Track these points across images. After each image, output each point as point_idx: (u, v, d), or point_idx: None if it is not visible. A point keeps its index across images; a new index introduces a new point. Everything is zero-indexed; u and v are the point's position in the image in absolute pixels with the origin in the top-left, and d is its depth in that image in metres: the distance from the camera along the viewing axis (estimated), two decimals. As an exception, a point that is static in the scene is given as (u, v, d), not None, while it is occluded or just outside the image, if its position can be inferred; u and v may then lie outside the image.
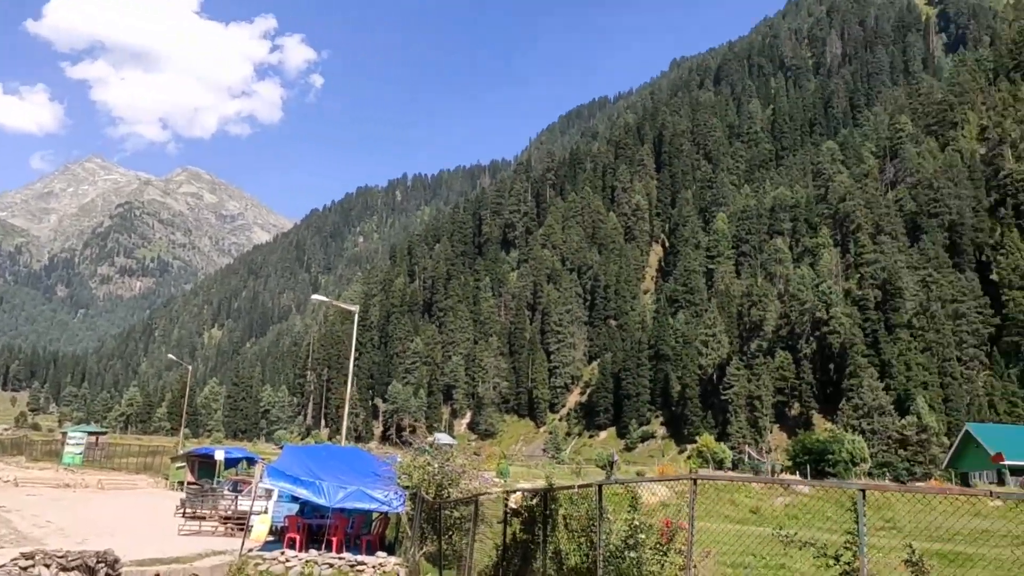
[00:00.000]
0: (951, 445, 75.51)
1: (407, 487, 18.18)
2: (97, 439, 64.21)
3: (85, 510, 28.93)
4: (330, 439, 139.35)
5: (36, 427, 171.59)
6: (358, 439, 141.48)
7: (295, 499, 20.30)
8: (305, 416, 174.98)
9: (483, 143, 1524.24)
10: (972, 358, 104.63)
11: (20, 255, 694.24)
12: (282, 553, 17.73)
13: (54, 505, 30.14)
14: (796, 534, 7.29)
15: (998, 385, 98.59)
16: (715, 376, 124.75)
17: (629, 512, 9.61)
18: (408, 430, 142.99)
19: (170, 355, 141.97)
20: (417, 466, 18.30)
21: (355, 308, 28.75)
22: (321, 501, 17.64)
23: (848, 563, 6.54)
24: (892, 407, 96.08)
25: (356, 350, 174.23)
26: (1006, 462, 49.32)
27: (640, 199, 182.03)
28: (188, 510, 26.78)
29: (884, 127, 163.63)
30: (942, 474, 64.48)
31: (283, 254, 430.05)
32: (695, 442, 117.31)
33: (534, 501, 11.23)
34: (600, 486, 9.53)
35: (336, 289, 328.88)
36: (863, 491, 6.21)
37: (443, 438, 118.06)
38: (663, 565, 9.00)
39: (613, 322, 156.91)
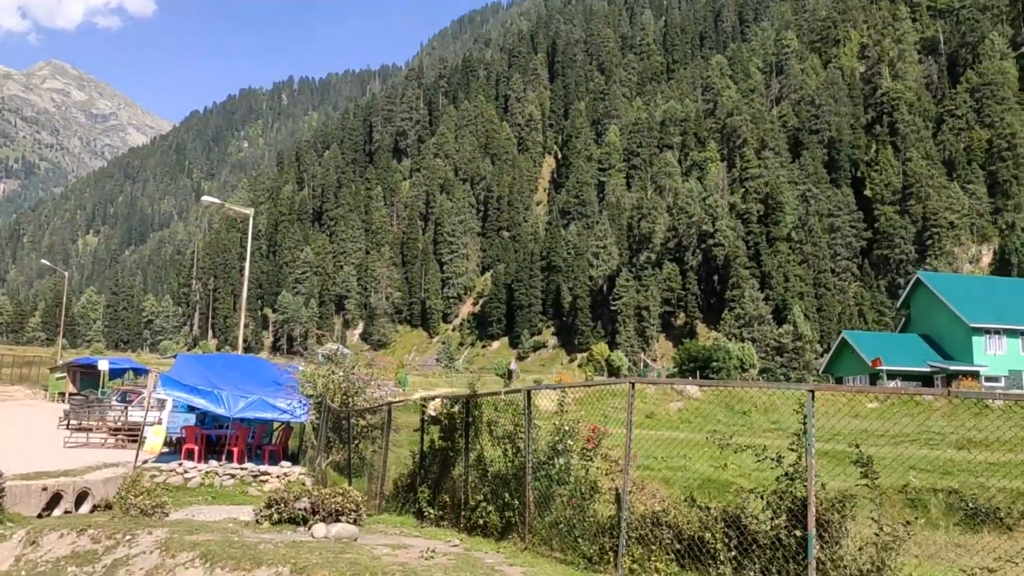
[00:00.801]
0: (824, 351, 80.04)
1: (311, 396, 17.79)
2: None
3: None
4: (218, 349, 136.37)
5: None
6: (247, 349, 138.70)
7: (191, 409, 19.65)
8: (191, 326, 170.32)
9: (373, 46, 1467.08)
10: (845, 270, 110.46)
11: None
12: (180, 464, 17.19)
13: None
14: (728, 438, 7.32)
15: (868, 295, 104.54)
16: (605, 287, 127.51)
17: (556, 417, 9.57)
18: (312, 338, 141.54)
19: (44, 261, 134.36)
20: (321, 375, 17.89)
21: (250, 212, 27.55)
22: (221, 411, 17.08)
23: (792, 465, 6.60)
24: (771, 316, 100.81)
25: (243, 259, 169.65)
26: (883, 367, 52.58)
27: (533, 109, 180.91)
28: (73, 422, 25.62)
29: (771, 43, 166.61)
30: (818, 378, 68.33)
31: (162, 158, 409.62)
32: (586, 351, 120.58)
33: (455, 408, 11.08)
34: (529, 392, 9.41)
35: (221, 196, 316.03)
36: (812, 392, 6.22)
37: (337, 348, 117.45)
38: (587, 470, 9.01)
39: (506, 233, 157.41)
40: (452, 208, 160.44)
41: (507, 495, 9.33)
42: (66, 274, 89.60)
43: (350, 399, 17.46)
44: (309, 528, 9.92)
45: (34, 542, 9.93)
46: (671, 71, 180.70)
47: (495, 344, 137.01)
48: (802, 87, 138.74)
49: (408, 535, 9.77)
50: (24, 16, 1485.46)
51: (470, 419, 10.52)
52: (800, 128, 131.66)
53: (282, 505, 10.56)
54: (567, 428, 9.38)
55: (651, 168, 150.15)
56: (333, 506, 9.98)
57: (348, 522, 9.84)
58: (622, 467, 8.18)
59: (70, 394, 36.62)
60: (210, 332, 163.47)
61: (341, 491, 10.37)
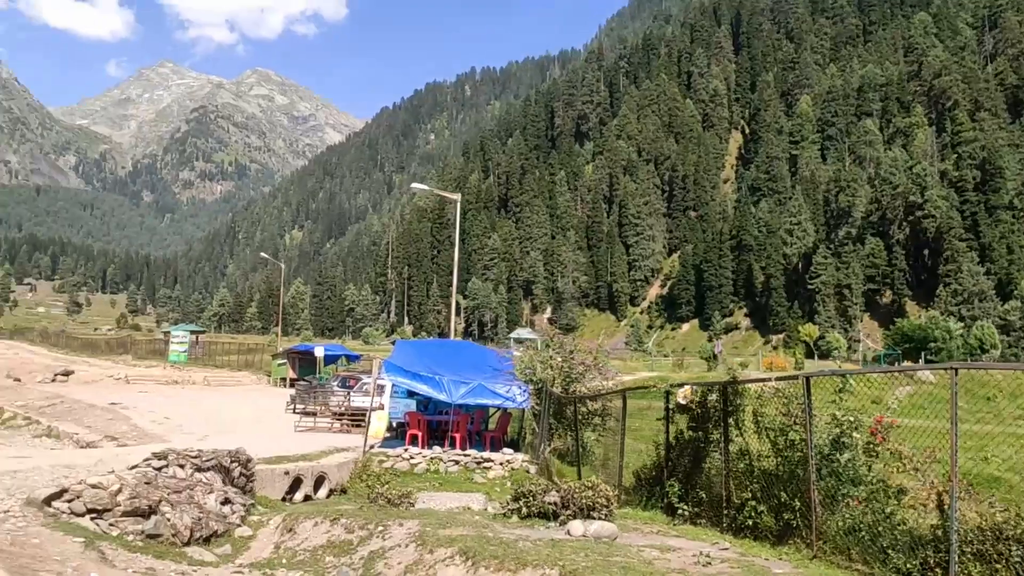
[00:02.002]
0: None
1: (530, 382, 17.50)
2: (197, 338, 66.15)
3: (198, 407, 29.36)
4: (415, 335, 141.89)
5: (136, 328, 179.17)
6: (440, 335, 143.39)
7: (411, 395, 19.91)
8: (388, 314, 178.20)
9: (551, 32, 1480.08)
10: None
11: (105, 162, 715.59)
12: (405, 450, 17.40)
13: (167, 402, 30.69)
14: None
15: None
16: (800, 265, 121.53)
17: (831, 406, 8.57)
18: (502, 323, 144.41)
19: (263, 254, 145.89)
20: (541, 360, 17.55)
21: (456, 196, 27.84)
22: (442, 397, 17.13)
23: None
24: (993, 292, 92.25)
25: (434, 248, 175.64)
26: None
27: (718, 84, 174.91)
28: (299, 406, 26.89)
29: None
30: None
31: (356, 154, 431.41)
32: (781, 332, 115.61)
33: (712, 396, 10.27)
34: (808, 378, 8.45)
35: (410, 188, 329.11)
36: None
37: (526, 333, 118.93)
38: (869, 467, 7.96)
39: (693, 213, 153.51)
40: (636, 190, 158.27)
41: (782, 494, 8.43)
42: (282, 266, 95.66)
43: (571, 385, 17.04)
44: (560, 524, 9.50)
45: (291, 529, 10.08)
46: (868, 33, 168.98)
47: (684, 327, 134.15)
48: (1020, 41, 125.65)
49: (665, 534, 9.10)
50: (232, 29, 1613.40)
51: (729, 408, 9.68)
52: (1020, 86, 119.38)
53: (530, 498, 10.21)
54: (850, 419, 8.35)
55: (849, 138, 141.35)
56: (584, 501, 9.49)
57: (599, 518, 9.32)
58: (916, 466, 7.09)
59: (294, 380, 38.71)
60: (406, 319, 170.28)
61: (590, 485, 9.87)
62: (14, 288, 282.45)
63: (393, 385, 19.69)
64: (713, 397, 10.26)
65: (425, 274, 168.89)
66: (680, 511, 10.14)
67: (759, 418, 9.35)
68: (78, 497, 9.19)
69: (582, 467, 15.05)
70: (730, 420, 9.64)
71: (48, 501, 9.18)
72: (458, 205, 27.07)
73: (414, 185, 27.99)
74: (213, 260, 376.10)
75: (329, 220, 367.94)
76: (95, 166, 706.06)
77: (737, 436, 9.68)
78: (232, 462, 11.98)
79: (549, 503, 9.91)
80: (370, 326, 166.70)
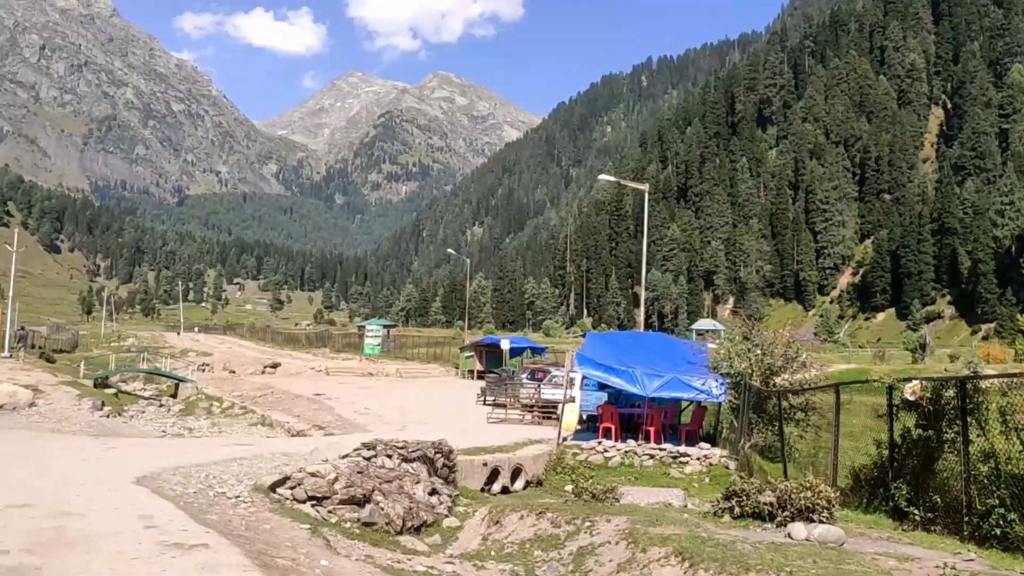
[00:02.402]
0: None
1: (727, 375, 16.85)
2: (388, 332, 69.20)
3: (393, 398, 30.58)
4: (594, 327, 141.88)
5: (332, 322, 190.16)
6: (620, 327, 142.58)
7: (601, 387, 19.72)
8: (567, 306, 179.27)
9: (730, 17, 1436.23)
10: None
11: (302, 168, 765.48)
12: (599, 443, 17.22)
13: (365, 393, 32.17)
14: None
15: None
16: (1014, 248, 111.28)
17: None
18: (683, 314, 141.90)
19: (449, 250, 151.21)
20: (739, 352, 16.86)
21: (645, 187, 27.43)
22: (635, 390, 16.80)
23: None
24: None
25: (612, 240, 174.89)
26: None
27: (915, 58, 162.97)
28: (489, 398, 27.38)
29: None
30: None
31: (534, 150, 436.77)
32: (991, 321, 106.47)
33: (949, 392, 9.39)
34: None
35: (587, 180, 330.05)
36: None
37: (708, 324, 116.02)
38: None
39: (887, 196, 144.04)
40: (824, 174, 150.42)
41: (1040, 502, 7.52)
42: (467, 261, 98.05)
43: (771, 378, 16.25)
44: (778, 526, 8.98)
45: (497, 522, 10.14)
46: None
47: (880, 316, 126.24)
48: None
49: (896, 541, 8.37)
50: (415, 36, 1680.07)
51: (968, 405, 8.79)
52: None
53: (743, 498, 9.73)
54: None
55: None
56: (802, 502, 8.92)
57: (819, 521, 8.72)
58: None
59: (484, 372, 39.57)
60: (585, 311, 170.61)
61: (808, 485, 9.26)
62: (225, 287, 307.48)
63: (584, 377, 19.56)
64: (949, 393, 9.35)
65: (603, 266, 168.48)
66: (910, 516, 9.31)
67: (1006, 417, 8.41)
68: (299, 485, 9.62)
69: (778, 462, 14.29)
70: (970, 419, 8.73)
71: (273, 488, 9.68)
72: (645, 195, 26.61)
73: (601, 176, 27.84)
74: (400, 257, 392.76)
75: (508, 216, 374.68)
76: (293, 173, 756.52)
77: (978, 436, 8.76)
78: (436, 453, 12.22)
79: (764, 503, 9.38)
80: (550, 319, 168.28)
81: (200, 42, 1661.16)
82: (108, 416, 25.19)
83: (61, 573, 5.20)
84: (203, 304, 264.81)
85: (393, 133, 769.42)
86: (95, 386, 33.17)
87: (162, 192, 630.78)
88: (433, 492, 10.80)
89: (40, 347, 62.85)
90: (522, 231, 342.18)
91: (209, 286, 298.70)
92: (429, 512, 10.18)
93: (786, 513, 9.03)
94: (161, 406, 32.36)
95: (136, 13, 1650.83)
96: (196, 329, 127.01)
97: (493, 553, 9.27)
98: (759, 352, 16.50)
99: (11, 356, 44.04)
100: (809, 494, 9.02)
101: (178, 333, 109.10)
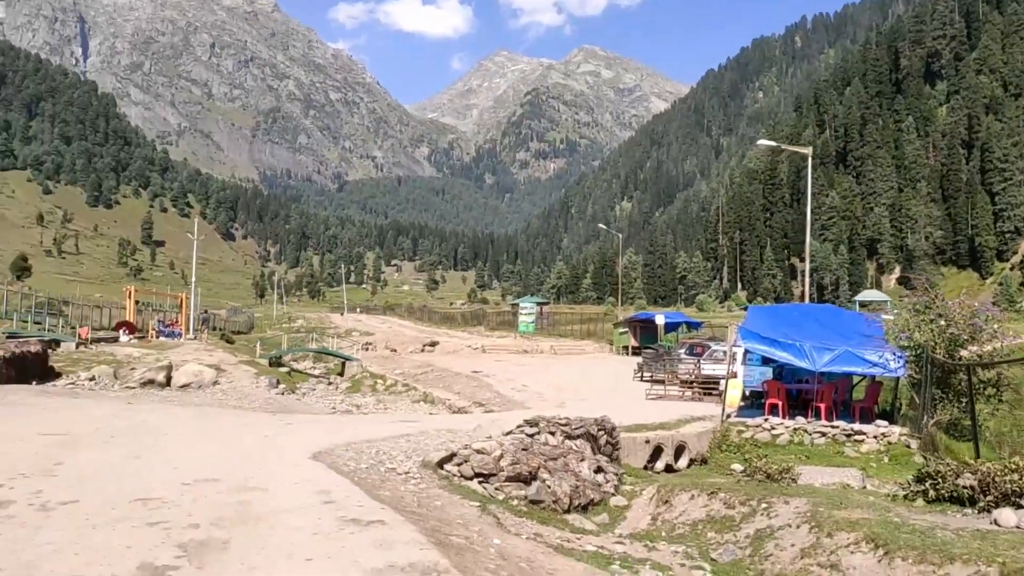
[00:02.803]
0: None
1: (905, 347, 15.75)
2: (541, 309, 69.67)
3: (549, 374, 30.68)
4: (750, 301, 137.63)
5: (484, 301, 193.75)
6: (777, 300, 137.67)
7: (765, 362, 18.95)
8: (721, 280, 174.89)
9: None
10: None
11: (452, 150, 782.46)
12: (765, 420, 16.55)
13: (521, 370, 32.45)
14: None
15: None
16: None
17: None
18: (843, 285, 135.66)
19: (601, 225, 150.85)
20: (919, 323, 15.71)
21: (807, 150, 26.07)
22: (804, 364, 15.98)
23: None
24: None
25: (766, 210, 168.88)
26: None
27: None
28: (646, 374, 26.96)
29: None
30: None
31: (682, 120, 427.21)
32: None
33: None
34: None
35: (738, 150, 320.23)
36: None
37: (873, 295, 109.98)
38: None
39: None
40: (1002, 130, 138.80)
41: None
42: (619, 236, 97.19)
43: (957, 350, 15.06)
44: (980, 512, 8.26)
45: (666, 501, 9.87)
46: None
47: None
48: None
49: (1121, 532, 7.51)
50: (559, 11, 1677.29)
51: None
52: None
53: (939, 480, 9.03)
54: None
55: None
56: (1008, 485, 8.15)
57: (1028, 507, 7.94)
58: None
59: (639, 348, 39.11)
60: (739, 284, 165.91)
61: (1015, 467, 8.45)
62: (384, 269, 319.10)
63: (746, 352, 18.85)
64: None
65: (758, 238, 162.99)
66: None
67: None
68: (466, 461, 9.69)
69: (979, 444, 13.22)
70: None
71: (440, 464, 9.79)
72: (809, 159, 25.26)
73: (760, 141, 26.53)
74: (549, 235, 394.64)
75: (657, 189, 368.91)
76: (444, 155, 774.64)
77: None
78: (599, 431, 12.05)
79: (964, 487, 8.65)
80: (702, 293, 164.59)
81: (354, 31, 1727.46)
82: (283, 394, 26.58)
83: (246, 547, 5.38)
84: (363, 286, 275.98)
85: (540, 110, 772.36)
86: (270, 365, 35.09)
87: (323, 179, 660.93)
88: (599, 470, 10.65)
89: (220, 329, 67.39)
90: (672, 204, 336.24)
91: (368, 268, 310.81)
92: (595, 490, 10.03)
93: (989, 498, 8.28)
94: (329, 384, 33.82)
95: (294, 6, 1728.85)
96: (358, 310, 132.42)
97: (663, 534, 9.02)
98: (942, 322, 15.29)
99: (195, 337, 47.32)
100: (1016, 477, 8.22)
101: (341, 314, 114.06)
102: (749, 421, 16.58)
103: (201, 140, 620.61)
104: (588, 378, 29.00)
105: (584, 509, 9.61)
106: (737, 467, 14.18)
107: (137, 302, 53.80)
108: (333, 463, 9.07)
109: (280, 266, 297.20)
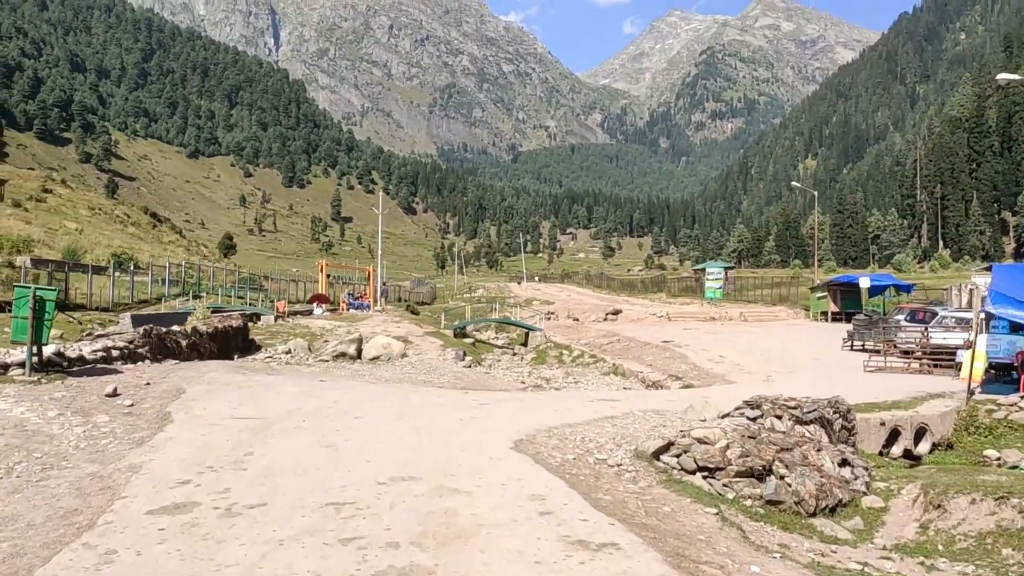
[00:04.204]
0: None
1: None
2: (726, 274, 66.63)
3: (745, 343, 28.63)
4: (953, 260, 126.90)
5: (662, 267, 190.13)
6: (985, 258, 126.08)
7: (1014, 329, 16.39)
8: (919, 238, 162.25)
9: None
10: None
11: (625, 115, 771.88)
12: (1021, 397, 14.17)
13: (713, 339, 30.53)
14: None
15: None
16: None
17: None
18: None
19: (795, 183, 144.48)
20: None
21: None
22: (1074, 332, 13.49)
23: None
24: None
25: (971, 161, 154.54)
26: None
27: None
28: (856, 343, 24.51)
29: None
30: None
31: (872, 70, 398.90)
32: None
33: None
34: None
35: (938, 97, 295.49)
36: None
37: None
38: None
39: None
40: None
41: None
42: (814, 193, 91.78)
43: None
44: None
45: (938, 505, 8.18)
46: None
47: None
48: None
49: None
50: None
51: None
52: None
53: None
54: None
55: None
56: None
57: None
58: None
59: (839, 314, 36.21)
60: (940, 242, 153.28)
61: None
62: (559, 237, 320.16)
63: (989, 319, 16.31)
64: None
65: (962, 191, 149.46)
66: None
67: None
68: (685, 452, 8.43)
69: None
70: None
71: (656, 455, 8.59)
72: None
73: (1000, 76, 22.83)
74: (727, 198, 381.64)
75: (844, 144, 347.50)
76: (617, 120, 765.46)
77: None
78: (834, 413, 10.45)
79: None
80: (899, 252, 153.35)
81: (524, 3, 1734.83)
82: (470, 366, 26.23)
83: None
84: (540, 255, 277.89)
85: (715, 69, 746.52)
86: (455, 336, 35.09)
87: (497, 151, 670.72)
88: (843, 463, 9.07)
89: (405, 300, 69.16)
90: (861, 160, 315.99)
91: (544, 237, 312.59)
92: (843, 488, 8.47)
93: None
94: (514, 355, 33.36)
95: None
96: (536, 279, 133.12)
97: (940, 547, 7.38)
98: None
99: (382, 309, 48.46)
100: None
101: (519, 283, 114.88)
102: (1000, 399, 14.28)
103: (383, 119, 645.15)
104: (790, 348, 26.73)
105: (832, 511, 8.10)
106: (992, 453, 12.15)
107: (328, 275, 55.89)
108: (538, 454, 8.07)
109: (459, 237, 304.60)
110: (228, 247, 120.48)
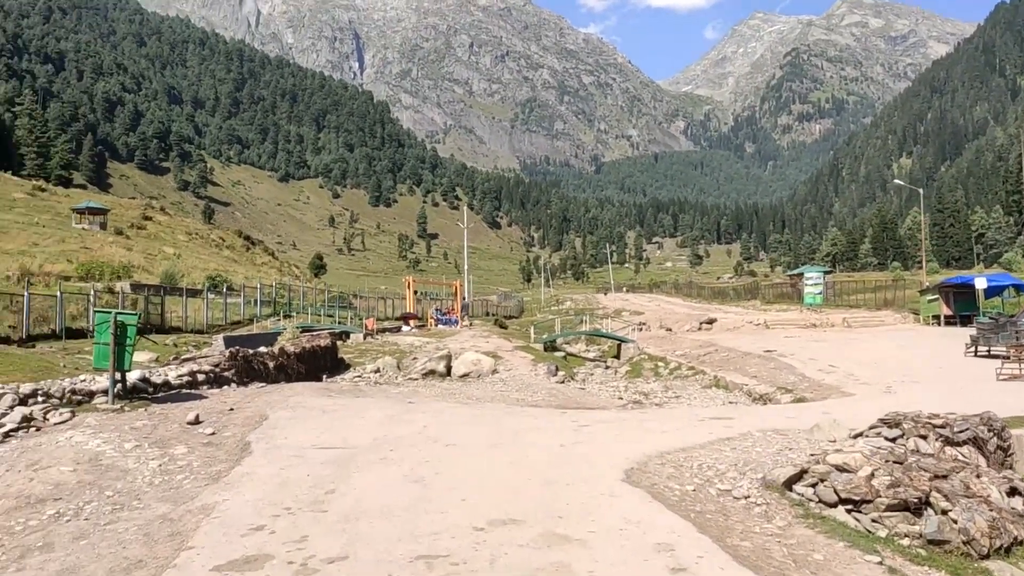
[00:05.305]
0: None
1: None
2: (824, 278, 63.87)
3: (854, 351, 26.80)
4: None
5: (752, 273, 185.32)
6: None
7: None
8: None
9: None
10: None
11: (709, 121, 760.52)
12: None
13: (819, 347, 28.76)
14: None
15: None
16: None
17: None
18: None
19: (897, 180, 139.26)
20: None
21: None
22: None
23: None
24: None
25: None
26: None
27: None
28: (981, 348, 22.59)
29: None
30: None
31: (968, 63, 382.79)
32: None
33: None
34: None
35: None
36: None
37: None
38: None
39: None
40: None
41: None
42: (920, 190, 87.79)
43: None
44: None
45: None
46: None
47: None
48: None
49: None
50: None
51: None
52: None
53: None
54: None
55: None
56: None
57: None
58: None
59: (953, 317, 33.89)
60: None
61: None
62: (645, 247, 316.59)
63: None
64: None
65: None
66: None
67: None
68: (822, 481, 7.33)
69: None
70: None
71: (788, 484, 7.51)
72: None
73: None
74: (818, 201, 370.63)
75: (941, 141, 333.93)
76: (700, 127, 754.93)
77: None
78: (988, 431, 9.14)
79: None
80: (1007, 251, 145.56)
81: (603, 14, 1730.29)
82: (563, 382, 25.27)
83: None
84: (626, 265, 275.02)
85: (801, 71, 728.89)
86: (545, 350, 34.20)
87: (580, 162, 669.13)
88: (1012, 492, 7.78)
89: (493, 314, 68.71)
90: (959, 156, 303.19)
91: (630, 247, 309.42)
92: (1017, 523, 7.20)
93: None
94: (607, 368, 32.24)
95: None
96: (624, 289, 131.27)
97: None
98: None
99: (470, 324, 47.97)
100: None
101: (605, 294, 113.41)
102: None
103: (465, 136, 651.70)
104: (906, 355, 24.82)
105: (1007, 551, 6.86)
106: None
107: (416, 292, 55.79)
108: (653, 487, 7.10)
109: (544, 250, 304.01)
110: (318, 267, 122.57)
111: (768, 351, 26.82)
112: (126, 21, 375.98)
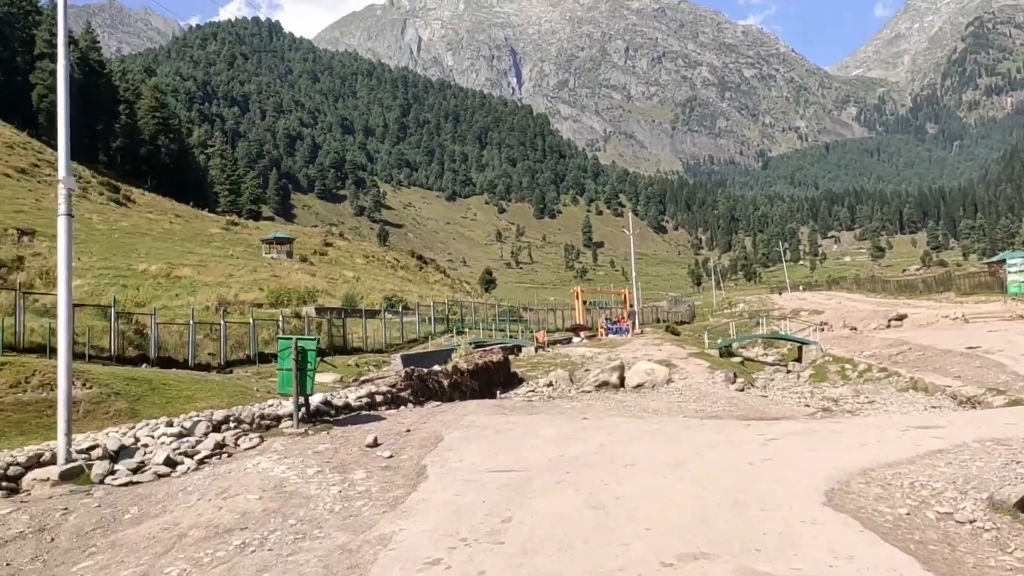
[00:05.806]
0: None
1: None
2: (1028, 266, 58.22)
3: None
4: None
5: (942, 263, 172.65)
6: None
7: None
8: None
9: None
10: None
11: (884, 104, 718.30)
12: None
13: (1031, 342, 25.99)
14: None
15: None
16: None
17: None
18: None
19: None
20: None
21: None
22: None
23: None
24: None
25: None
26: None
27: None
28: None
29: None
30: None
31: None
32: None
33: None
34: None
35: None
36: None
37: None
38: None
39: None
40: None
41: None
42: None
43: None
44: None
45: None
46: None
47: None
48: None
49: None
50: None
51: None
52: None
53: None
54: None
55: None
56: None
57: None
58: None
59: None
60: None
61: None
62: (820, 242, 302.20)
63: None
64: None
65: None
66: None
67: None
68: (1064, 503, 6.36)
69: None
70: None
71: (1021, 506, 6.58)
72: None
73: None
74: (1015, 180, 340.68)
75: None
76: (875, 111, 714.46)
77: None
78: None
79: None
80: None
81: (762, 4, 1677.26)
82: (742, 389, 24.15)
83: None
84: (800, 262, 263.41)
85: (986, 40, 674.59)
86: (720, 356, 33.03)
87: (746, 159, 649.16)
88: None
89: (664, 320, 67.45)
90: None
91: (803, 243, 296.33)
92: None
93: None
94: (789, 372, 30.69)
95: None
96: (800, 288, 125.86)
97: None
98: None
99: (640, 333, 47.18)
100: None
101: (780, 293, 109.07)
102: None
103: (625, 141, 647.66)
104: None
105: None
106: None
107: (584, 301, 55.59)
108: (860, 511, 6.39)
109: (712, 252, 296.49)
110: (488, 282, 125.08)
111: (971, 347, 24.56)
112: (301, 60, 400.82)
